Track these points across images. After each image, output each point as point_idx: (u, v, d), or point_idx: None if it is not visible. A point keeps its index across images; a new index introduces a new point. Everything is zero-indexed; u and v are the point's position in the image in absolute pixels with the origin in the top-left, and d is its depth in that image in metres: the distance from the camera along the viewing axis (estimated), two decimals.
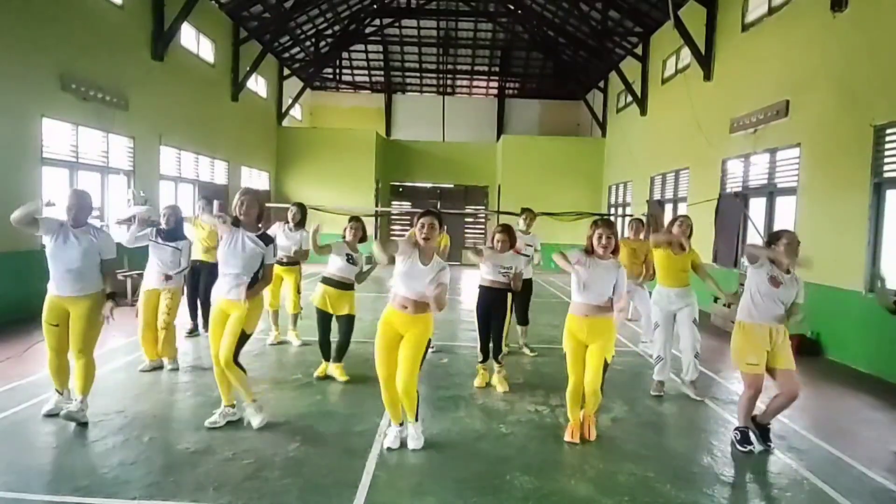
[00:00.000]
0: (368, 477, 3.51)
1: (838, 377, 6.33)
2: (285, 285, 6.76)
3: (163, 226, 5.68)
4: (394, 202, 21.02)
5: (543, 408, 4.91)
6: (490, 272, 5.37)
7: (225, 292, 4.14)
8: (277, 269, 6.55)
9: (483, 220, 20.54)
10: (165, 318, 5.56)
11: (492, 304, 5.38)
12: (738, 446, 4.12)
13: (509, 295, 5.42)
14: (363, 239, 5.61)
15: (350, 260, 5.46)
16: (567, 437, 4.17)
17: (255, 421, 4.21)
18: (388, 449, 3.90)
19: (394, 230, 21.02)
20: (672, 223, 5.40)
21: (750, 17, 9.84)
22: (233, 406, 4.31)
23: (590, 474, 3.69)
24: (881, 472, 3.84)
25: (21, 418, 4.28)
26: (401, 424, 4.01)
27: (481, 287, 5.44)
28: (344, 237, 5.55)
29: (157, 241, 5.58)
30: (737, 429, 4.22)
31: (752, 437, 4.15)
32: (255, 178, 16.90)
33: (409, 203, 20.89)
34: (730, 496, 3.47)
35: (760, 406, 4.27)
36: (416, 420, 3.98)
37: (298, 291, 6.82)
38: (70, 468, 3.55)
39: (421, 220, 3.83)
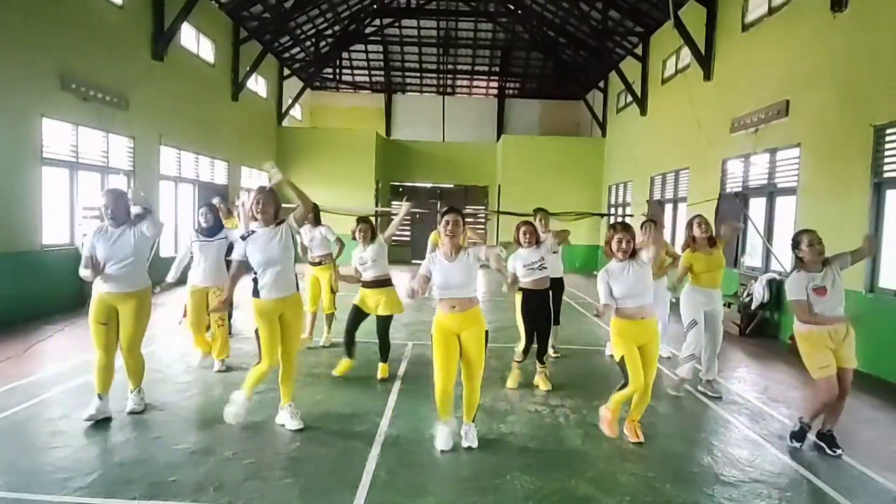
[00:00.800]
0: (368, 477, 3.51)
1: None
2: (322, 286, 6.72)
3: (203, 224, 5.72)
4: (394, 202, 21.01)
5: (543, 408, 4.91)
6: (525, 273, 5.34)
7: (281, 291, 4.13)
8: (312, 269, 6.63)
9: (483, 219, 20.53)
10: (222, 315, 5.63)
11: (538, 307, 5.37)
12: (790, 440, 4.24)
13: (551, 294, 5.47)
14: (372, 238, 5.64)
15: (362, 262, 5.51)
16: (610, 432, 4.16)
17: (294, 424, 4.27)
18: (442, 451, 3.89)
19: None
20: (691, 225, 5.40)
21: (750, 17, 9.84)
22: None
23: (590, 474, 3.69)
24: (881, 472, 3.84)
25: (21, 418, 4.28)
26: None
27: (523, 290, 5.38)
28: (354, 238, 5.58)
29: (199, 239, 5.62)
30: (800, 419, 4.29)
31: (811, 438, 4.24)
32: (255, 178, 16.89)
33: (410, 203, 20.84)
34: (730, 496, 3.47)
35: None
36: (473, 421, 4.07)
37: (333, 291, 6.74)
38: (70, 468, 3.55)
39: (445, 218, 3.89)
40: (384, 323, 5.56)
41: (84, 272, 4.23)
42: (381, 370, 5.60)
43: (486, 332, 3.97)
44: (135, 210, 9.65)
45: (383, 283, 5.51)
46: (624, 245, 4.06)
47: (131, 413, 4.39)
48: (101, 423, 4.21)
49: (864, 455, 4.11)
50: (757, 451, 4.14)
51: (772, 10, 9.11)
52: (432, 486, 3.47)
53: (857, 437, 4.60)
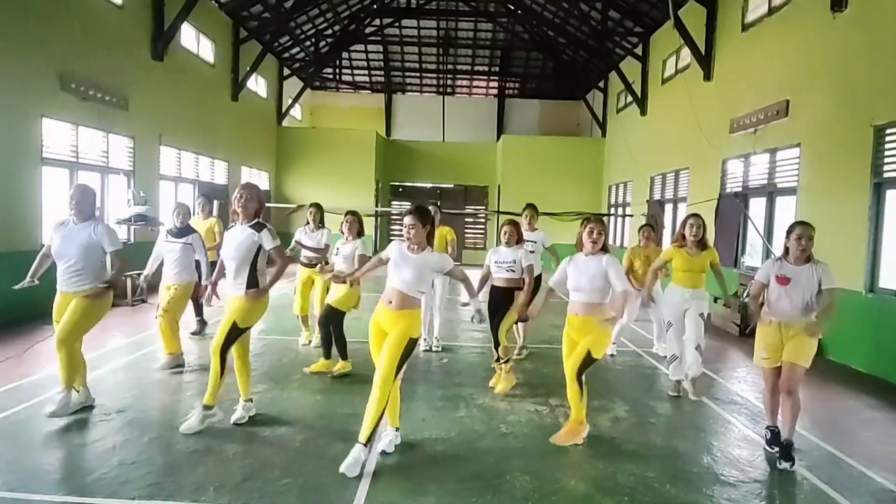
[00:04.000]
0: (368, 477, 3.51)
1: (838, 377, 6.33)
2: (315, 289, 6.63)
3: (176, 224, 5.78)
4: (394, 202, 21.02)
5: (543, 408, 4.91)
6: (495, 270, 5.38)
7: (232, 290, 4.18)
8: (306, 271, 6.57)
9: (483, 219, 20.53)
10: (164, 305, 5.58)
11: (501, 303, 5.35)
12: (766, 446, 4.15)
13: (517, 294, 5.36)
14: (360, 233, 5.62)
15: (336, 252, 5.58)
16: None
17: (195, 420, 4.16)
18: (383, 452, 3.84)
19: (394, 230, 21.02)
20: (683, 225, 5.28)
21: (750, 17, 9.84)
22: (250, 400, 4.36)
23: (590, 474, 3.69)
24: (881, 472, 3.84)
25: (21, 418, 4.28)
26: (396, 429, 3.94)
27: (491, 286, 5.42)
28: (341, 231, 5.61)
29: (167, 238, 5.70)
30: (767, 427, 4.22)
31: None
32: (255, 178, 16.90)
33: (410, 203, 20.87)
34: (730, 496, 3.47)
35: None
36: (367, 443, 3.61)
37: (327, 292, 6.74)
38: (70, 468, 3.55)
39: (404, 220, 3.79)
40: (332, 315, 5.47)
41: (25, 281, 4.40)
42: (320, 365, 5.54)
43: (413, 339, 3.70)
44: (134, 210, 9.64)
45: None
46: (595, 235, 4.03)
47: (51, 416, 4.12)
48: (101, 424, 4.21)
49: (864, 455, 4.11)
50: (757, 451, 4.14)
51: (772, 11, 9.11)
52: (432, 486, 3.46)
53: (857, 437, 4.61)
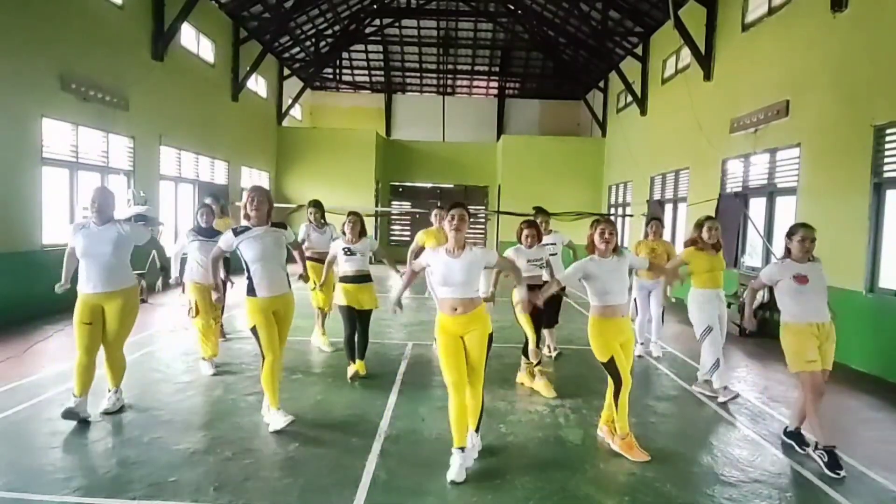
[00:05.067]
0: (368, 477, 3.51)
1: (838, 377, 6.31)
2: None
3: (201, 224, 5.88)
4: (394, 202, 21.02)
5: (543, 408, 4.91)
6: (527, 268, 5.29)
7: (275, 289, 4.22)
8: (314, 266, 6.56)
9: (483, 219, 20.53)
10: (217, 313, 5.76)
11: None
12: (828, 470, 3.74)
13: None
14: (362, 233, 5.65)
15: (348, 252, 5.52)
16: (639, 456, 3.86)
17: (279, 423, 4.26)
18: (452, 483, 3.44)
19: (394, 230, 21.02)
20: (700, 228, 5.35)
21: (750, 17, 9.84)
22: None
23: (590, 474, 3.69)
24: (881, 472, 3.84)
25: (21, 418, 4.28)
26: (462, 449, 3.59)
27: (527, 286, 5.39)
28: (343, 232, 5.62)
29: (199, 238, 5.73)
30: (824, 449, 3.84)
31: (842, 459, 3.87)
32: (255, 178, 16.89)
33: (409, 203, 20.87)
34: (730, 496, 3.47)
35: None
36: (478, 431, 3.82)
37: (333, 289, 6.67)
38: (70, 468, 3.55)
39: (451, 213, 3.68)
40: (365, 319, 5.59)
41: (62, 284, 4.37)
42: (359, 367, 5.56)
43: (490, 334, 3.69)
44: (134, 210, 9.65)
45: (365, 277, 5.57)
46: (607, 235, 4.01)
47: (105, 413, 4.33)
48: (101, 424, 4.21)
49: (864, 455, 4.11)
50: (757, 451, 4.14)
51: (772, 11, 9.11)
52: (432, 486, 3.46)
53: (857, 437, 4.61)
